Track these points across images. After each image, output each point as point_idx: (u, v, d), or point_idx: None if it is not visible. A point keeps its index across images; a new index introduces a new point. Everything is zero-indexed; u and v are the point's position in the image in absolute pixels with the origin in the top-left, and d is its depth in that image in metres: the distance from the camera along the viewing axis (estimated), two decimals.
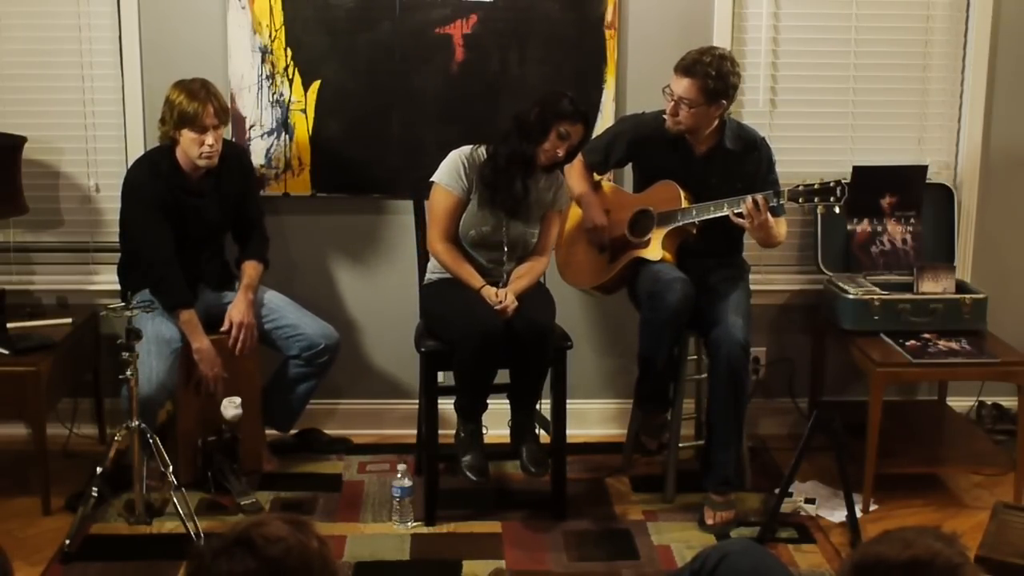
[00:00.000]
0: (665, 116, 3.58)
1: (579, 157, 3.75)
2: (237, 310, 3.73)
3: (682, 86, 3.49)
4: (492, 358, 3.45)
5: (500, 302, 3.45)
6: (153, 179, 3.66)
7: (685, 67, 3.49)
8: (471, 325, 3.41)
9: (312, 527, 1.58)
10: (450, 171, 3.59)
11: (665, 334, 3.54)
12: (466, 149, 3.61)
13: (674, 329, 3.55)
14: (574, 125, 3.50)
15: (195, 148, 3.60)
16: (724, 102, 3.54)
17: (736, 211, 3.49)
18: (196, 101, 3.55)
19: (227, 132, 3.93)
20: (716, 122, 3.60)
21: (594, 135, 3.96)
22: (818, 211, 3.52)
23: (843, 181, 3.42)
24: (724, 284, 3.65)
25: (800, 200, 3.47)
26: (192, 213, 3.71)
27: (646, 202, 3.69)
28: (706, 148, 3.64)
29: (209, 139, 3.58)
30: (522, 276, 3.61)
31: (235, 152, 3.85)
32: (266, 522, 1.53)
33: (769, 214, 3.47)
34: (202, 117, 3.56)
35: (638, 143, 3.71)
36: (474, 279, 3.55)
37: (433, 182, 3.62)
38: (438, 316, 3.62)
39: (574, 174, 3.78)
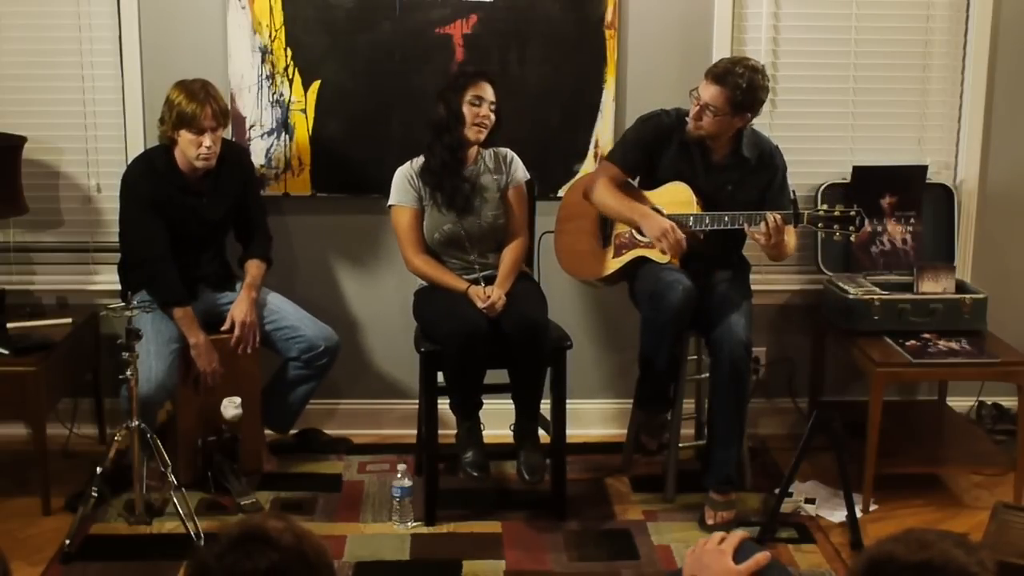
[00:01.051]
0: (688, 119, 3.57)
1: (604, 169, 3.70)
2: (240, 309, 3.73)
3: (710, 92, 3.47)
4: (477, 357, 3.47)
5: (487, 299, 3.47)
6: (148, 177, 3.67)
7: (716, 75, 3.46)
8: (454, 326, 3.44)
9: (289, 516, 1.58)
10: (399, 188, 3.68)
11: (666, 334, 3.54)
12: (405, 165, 3.70)
13: (675, 330, 3.55)
14: (476, 84, 3.58)
15: (192, 149, 3.60)
16: (749, 114, 3.53)
17: (752, 227, 3.49)
18: (195, 102, 3.55)
19: (227, 132, 3.93)
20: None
21: (592, 133, 3.98)
22: (835, 238, 3.53)
23: (861, 211, 3.46)
24: (725, 284, 3.64)
25: (819, 225, 3.50)
26: (190, 212, 3.71)
27: (656, 201, 3.67)
28: (723, 155, 3.63)
29: (207, 141, 3.58)
30: (506, 266, 3.64)
31: (235, 151, 3.85)
32: (261, 518, 1.53)
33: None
34: (200, 119, 3.56)
35: (659, 144, 3.65)
36: (458, 283, 3.58)
37: (391, 206, 3.69)
38: (426, 320, 3.66)
39: (600, 192, 3.65)
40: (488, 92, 3.59)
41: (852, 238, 3.54)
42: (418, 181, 3.65)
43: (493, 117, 3.60)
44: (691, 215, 3.57)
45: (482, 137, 3.61)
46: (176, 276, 3.67)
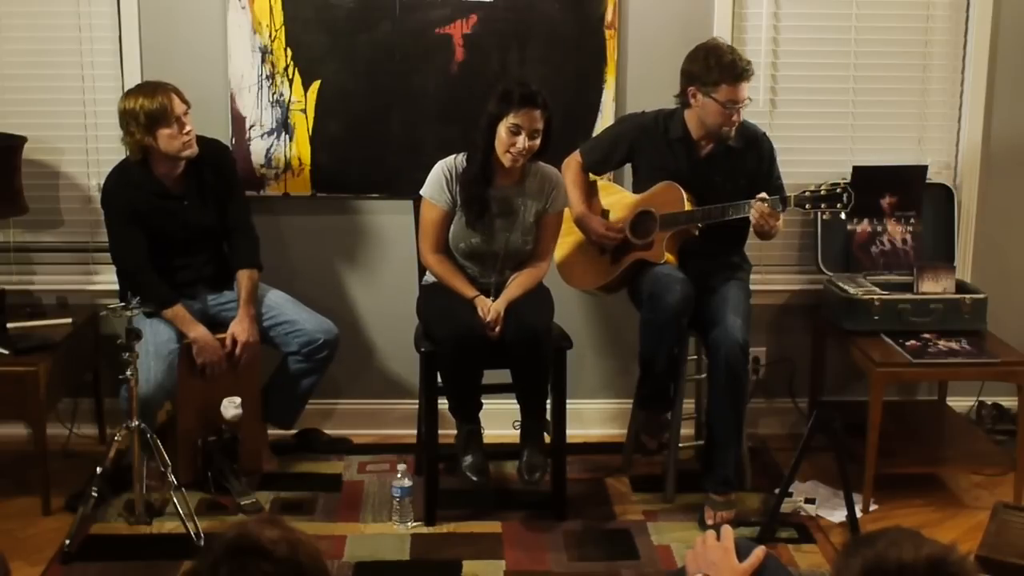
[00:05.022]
0: (724, 128, 3.54)
1: (575, 156, 3.75)
2: (241, 328, 3.71)
3: (745, 90, 3.50)
4: (470, 360, 3.45)
5: (488, 316, 3.45)
6: (123, 188, 3.65)
7: (741, 73, 3.47)
8: (450, 327, 3.43)
9: (285, 521, 1.58)
10: (434, 184, 3.57)
11: (665, 335, 3.54)
12: (449, 160, 3.58)
13: (674, 330, 3.55)
14: (519, 112, 3.39)
15: (176, 142, 3.57)
16: None
17: (741, 216, 3.49)
18: (157, 96, 3.53)
19: (226, 132, 3.94)
20: None
21: (592, 133, 3.97)
22: (823, 217, 3.51)
23: (848, 187, 3.41)
24: (724, 284, 3.64)
25: (807, 206, 3.48)
26: (171, 217, 3.68)
27: (648, 203, 3.67)
28: (710, 148, 3.64)
29: (187, 125, 3.57)
30: (515, 286, 3.57)
31: (213, 149, 3.78)
32: (254, 528, 1.52)
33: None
34: (172, 108, 3.54)
35: (639, 144, 3.70)
36: (467, 289, 3.55)
37: (421, 196, 3.61)
38: (427, 319, 3.64)
39: (568, 176, 3.75)
40: (530, 121, 3.39)
41: (843, 215, 3.47)
42: (456, 184, 3.55)
43: (537, 144, 3.44)
44: (683, 213, 3.57)
45: (517, 165, 3.48)
46: (157, 279, 3.65)
